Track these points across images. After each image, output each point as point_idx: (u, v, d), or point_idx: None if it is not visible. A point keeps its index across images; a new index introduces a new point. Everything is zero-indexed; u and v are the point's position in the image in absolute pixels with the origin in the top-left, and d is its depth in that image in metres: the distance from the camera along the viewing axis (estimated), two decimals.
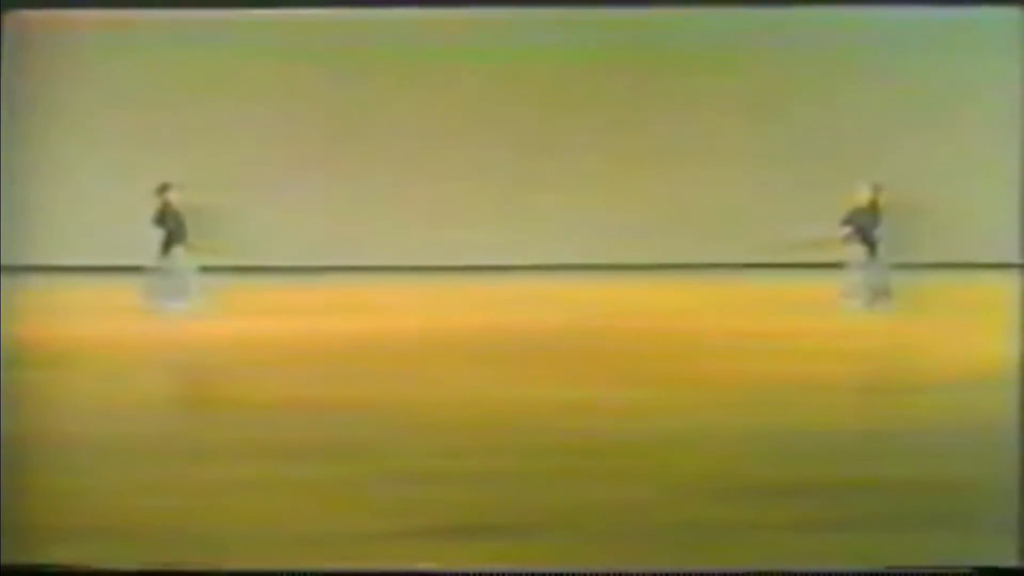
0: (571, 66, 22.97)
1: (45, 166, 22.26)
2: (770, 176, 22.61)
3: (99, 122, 22.67)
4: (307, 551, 8.06)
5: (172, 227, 18.84)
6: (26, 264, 20.42)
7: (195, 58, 22.79)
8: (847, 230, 18.83)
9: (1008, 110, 20.05)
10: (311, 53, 22.79)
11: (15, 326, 15.14)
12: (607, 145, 22.91)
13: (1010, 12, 19.92)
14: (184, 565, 7.75)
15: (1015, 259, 19.33)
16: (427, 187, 22.78)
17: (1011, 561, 7.71)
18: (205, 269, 18.70)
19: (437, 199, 22.77)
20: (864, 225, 18.93)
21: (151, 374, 14.91)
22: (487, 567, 7.66)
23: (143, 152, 22.02)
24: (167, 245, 18.84)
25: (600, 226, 22.75)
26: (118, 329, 17.17)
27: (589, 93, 22.96)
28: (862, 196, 19.02)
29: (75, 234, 22.29)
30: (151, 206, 18.95)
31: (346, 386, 13.56)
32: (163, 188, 18.93)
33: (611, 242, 22.81)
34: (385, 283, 21.34)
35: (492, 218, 22.76)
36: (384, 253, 22.62)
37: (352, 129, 22.81)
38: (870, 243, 18.94)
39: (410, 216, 22.78)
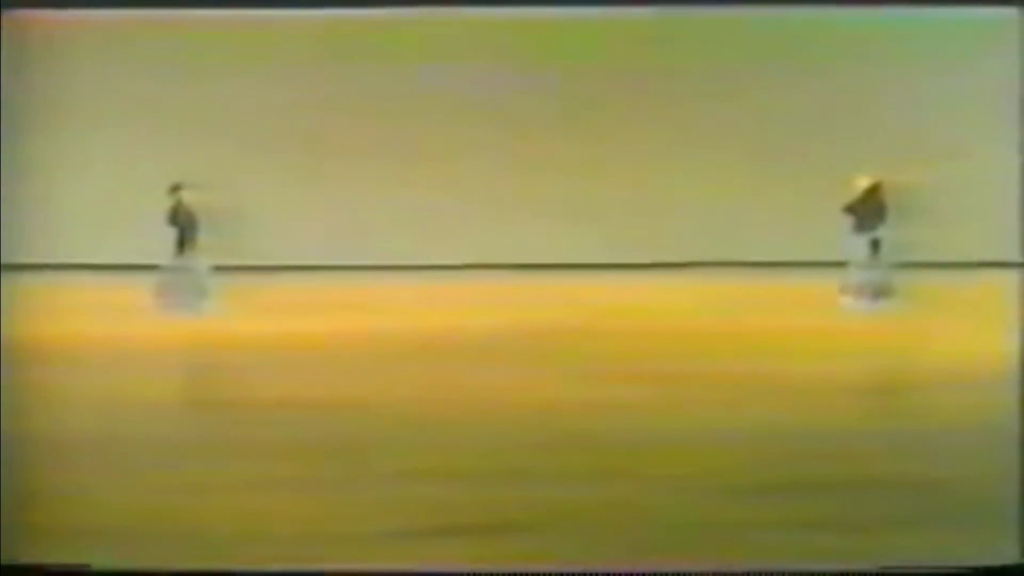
0: (571, 64, 23.00)
1: (45, 165, 22.27)
2: (770, 175, 22.64)
3: (99, 121, 22.68)
4: (307, 551, 8.06)
5: (184, 227, 18.85)
6: (30, 263, 20.46)
7: (196, 58, 22.80)
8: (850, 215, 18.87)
9: (1008, 110, 20.07)
10: (314, 54, 22.82)
11: (19, 325, 15.16)
12: (604, 146, 22.94)
13: (1010, 12, 19.94)
14: (184, 565, 7.75)
15: (1015, 258, 19.35)
16: (433, 187, 22.82)
17: (1011, 561, 7.71)
18: (218, 268, 18.72)
19: (442, 199, 22.81)
20: (867, 220, 18.93)
21: (159, 373, 14.88)
22: (487, 567, 7.66)
23: (144, 151, 22.05)
24: (180, 244, 18.84)
25: (600, 226, 22.77)
26: (128, 328, 17.18)
27: (587, 93, 22.98)
28: (864, 189, 19.02)
29: (76, 233, 22.31)
30: (154, 205, 18.96)
31: (349, 386, 13.57)
32: (175, 188, 18.93)
33: (611, 242, 22.83)
34: (394, 282, 21.37)
35: (494, 218, 22.79)
36: (394, 252, 22.66)
37: (359, 128, 22.83)
38: (873, 241, 18.94)
39: (414, 216, 22.81)
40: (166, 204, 18.92)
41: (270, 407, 12.43)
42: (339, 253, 22.61)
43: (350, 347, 16.09)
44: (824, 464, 10.19)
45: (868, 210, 18.99)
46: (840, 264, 18.94)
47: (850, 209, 18.97)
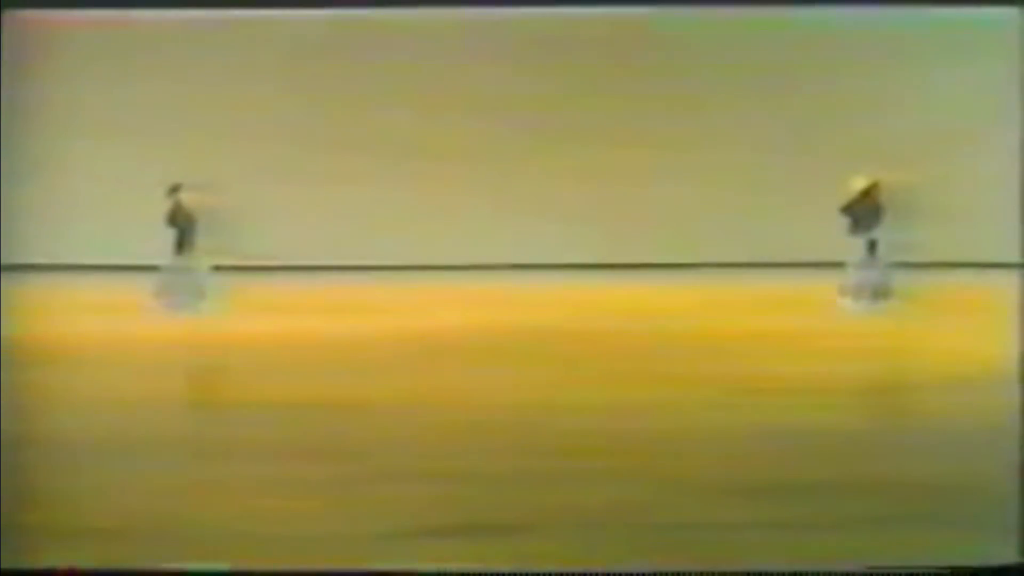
0: (570, 63, 23.00)
1: (46, 165, 22.25)
2: (769, 174, 22.64)
3: (99, 122, 22.67)
4: (307, 551, 8.06)
5: (183, 227, 18.88)
6: (30, 263, 20.44)
7: (195, 59, 22.79)
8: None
9: (1007, 110, 20.05)
10: (313, 53, 22.80)
11: (19, 325, 15.15)
12: (603, 146, 22.93)
13: (1010, 12, 19.94)
14: (184, 565, 7.76)
15: (1015, 259, 19.33)
16: (433, 187, 22.82)
17: (1011, 561, 7.71)
18: (217, 269, 18.74)
19: (442, 199, 22.81)
20: (864, 220, 18.92)
21: (158, 373, 14.87)
22: (487, 567, 7.66)
23: (143, 152, 22.03)
24: (179, 245, 18.86)
25: (600, 225, 22.76)
26: (128, 328, 17.18)
27: (586, 93, 22.98)
28: (861, 189, 19.02)
29: (76, 233, 22.30)
30: (153, 206, 18.97)
31: (349, 386, 13.56)
32: (174, 189, 18.97)
33: (610, 241, 22.82)
34: (394, 282, 21.36)
35: (494, 218, 22.78)
36: (394, 252, 22.65)
37: (357, 128, 22.82)
38: (870, 241, 18.94)
39: (414, 216, 22.81)
40: (165, 205, 18.95)
41: (270, 407, 12.43)
42: (339, 253, 22.61)
43: (350, 347, 16.09)
44: (823, 464, 10.20)
45: (865, 211, 18.98)
46: (839, 265, 18.93)
47: (847, 210, 18.96)
